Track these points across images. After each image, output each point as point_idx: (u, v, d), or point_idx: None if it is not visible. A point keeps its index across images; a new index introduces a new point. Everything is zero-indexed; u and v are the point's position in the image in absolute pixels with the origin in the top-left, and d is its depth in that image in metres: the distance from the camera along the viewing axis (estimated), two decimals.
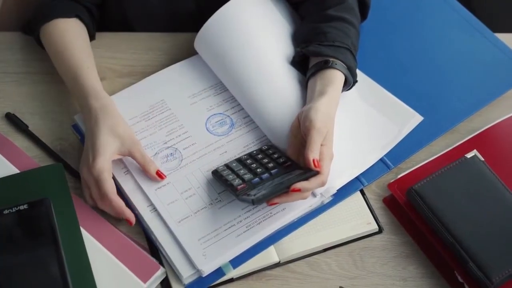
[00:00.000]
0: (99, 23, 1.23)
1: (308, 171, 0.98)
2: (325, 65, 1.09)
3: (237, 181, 1.01)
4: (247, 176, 1.02)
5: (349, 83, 1.11)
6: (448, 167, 1.08)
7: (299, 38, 1.17)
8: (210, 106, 1.15)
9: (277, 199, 0.98)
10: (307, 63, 1.14)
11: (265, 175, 1.02)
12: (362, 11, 1.22)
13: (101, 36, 1.24)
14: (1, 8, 1.26)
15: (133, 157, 1.04)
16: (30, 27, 1.19)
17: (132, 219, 1.00)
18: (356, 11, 1.18)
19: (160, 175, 1.05)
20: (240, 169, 1.03)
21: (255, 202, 0.95)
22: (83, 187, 1.04)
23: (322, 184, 0.99)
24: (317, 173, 0.98)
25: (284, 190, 0.97)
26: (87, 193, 1.03)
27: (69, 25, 1.15)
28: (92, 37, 1.20)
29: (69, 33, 1.14)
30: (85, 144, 1.05)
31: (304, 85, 1.12)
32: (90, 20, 1.19)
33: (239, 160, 1.06)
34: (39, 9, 1.17)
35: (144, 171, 1.05)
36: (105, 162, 1.00)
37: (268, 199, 0.97)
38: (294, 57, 1.15)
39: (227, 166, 1.05)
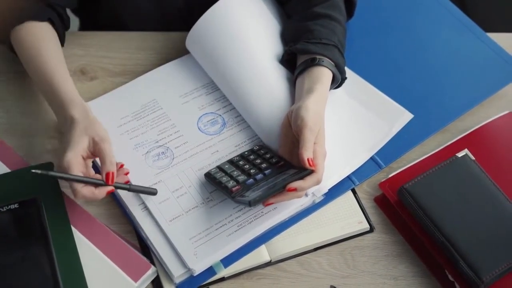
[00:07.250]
0: (92, 21, 1.23)
1: (302, 170, 0.98)
2: (312, 63, 1.09)
3: (231, 183, 1.00)
4: (241, 177, 1.01)
5: (337, 80, 1.12)
6: (439, 166, 1.08)
7: (287, 37, 1.18)
8: (201, 105, 1.15)
9: (273, 199, 0.98)
10: (296, 61, 1.14)
11: (259, 176, 1.01)
12: (348, 9, 1.22)
13: (93, 35, 1.24)
14: None
15: (101, 150, 0.99)
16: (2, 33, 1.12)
17: (108, 188, 0.97)
18: (342, 8, 1.19)
19: (108, 179, 0.98)
20: (233, 171, 1.03)
21: (252, 204, 0.95)
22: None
23: (318, 182, 0.99)
24: (311, 171, 0.98)
25: (280, 190, 0.97)
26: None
27: (41, 29, 1.11)
28: (61, 44, 1.15)
29: (41, 38, 1.10)
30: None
31: (293, 83, 1.12)
32: (61, 26, 1.15)
33: (231, 162, 1.05)
34: (10, 13, 1.10)
35: (101, 167, 0.99)
36: (73, 157, 0.97)
37: (264, 200, 0.98)
38: (283, 56, 1.15)
39: (219, 168, 1.05)
